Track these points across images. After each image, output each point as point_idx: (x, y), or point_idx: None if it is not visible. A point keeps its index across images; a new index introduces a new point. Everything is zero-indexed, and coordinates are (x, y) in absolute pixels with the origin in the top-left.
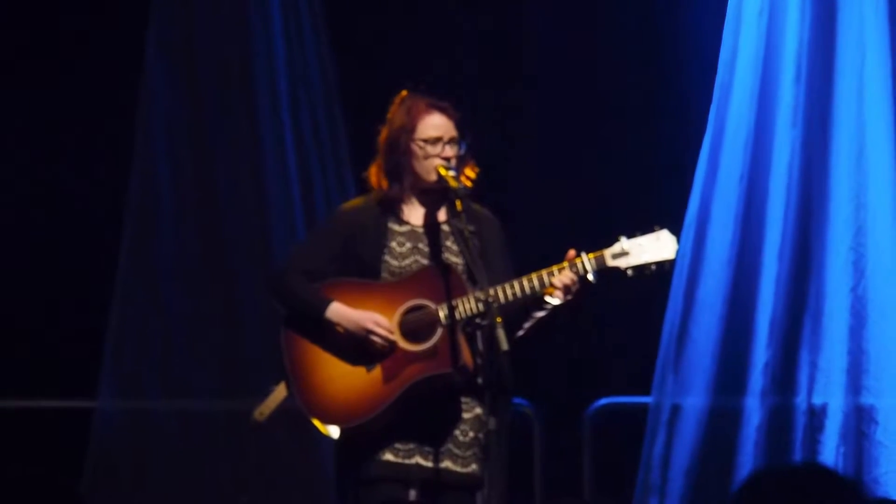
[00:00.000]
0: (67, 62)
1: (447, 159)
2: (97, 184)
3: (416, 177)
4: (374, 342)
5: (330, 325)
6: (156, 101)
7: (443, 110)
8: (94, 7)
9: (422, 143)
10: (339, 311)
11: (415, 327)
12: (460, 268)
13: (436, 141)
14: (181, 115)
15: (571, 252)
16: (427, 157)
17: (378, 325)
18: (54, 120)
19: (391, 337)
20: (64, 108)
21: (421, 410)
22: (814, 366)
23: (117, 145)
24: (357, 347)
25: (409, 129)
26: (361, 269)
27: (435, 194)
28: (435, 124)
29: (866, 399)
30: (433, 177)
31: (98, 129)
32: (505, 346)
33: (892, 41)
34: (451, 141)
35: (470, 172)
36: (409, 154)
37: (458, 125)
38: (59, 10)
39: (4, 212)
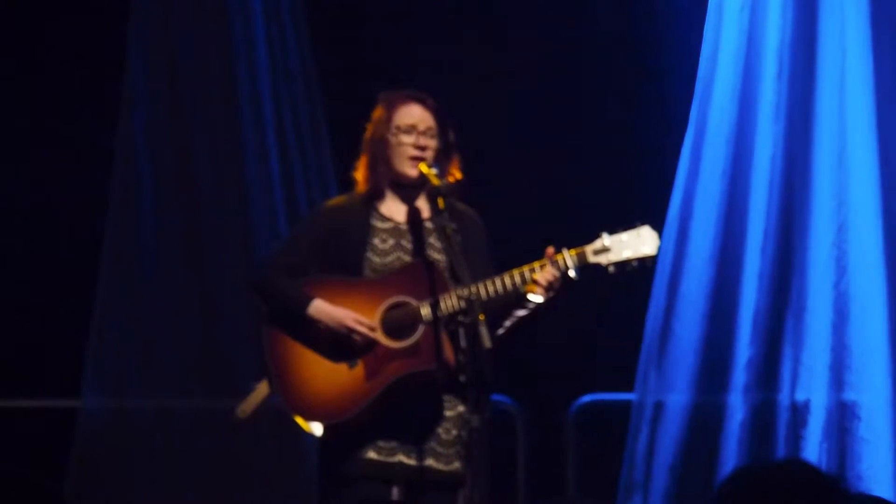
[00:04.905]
0: (48, 63)
1: (422, 149)
2: (78, 184)
3: (392, 167)
4: (354, 340)
5: (312, 323)
6: (136, 101)
7: (421, 101)
8: (75, 8)
9: (396, 132)
10: (321, 309)
11: (397, 324)
12: (442, 265)
13: (410, 129)
14: (162, 115)
15: (550, 249)
16: (400, 145)
17: (359, 323)
18: (35, 121)
19: (372, 335)
20: (45, 110)
21: (403, 408)
22: (797, 362)
23: (99, 146)
24: (339, 344)
25: (387, 119)
26: (344, 265)
27: (414, 189)
28: (411, 113)
29: (849, 395)
30: (407, 167)
31: (79, 131)
32: (488, 343)
33: (874, 38)
34: (427, 131)
35: (455, 170)
36: (385, 144)
37: (437, 117)
38: (39, 10)
39: None
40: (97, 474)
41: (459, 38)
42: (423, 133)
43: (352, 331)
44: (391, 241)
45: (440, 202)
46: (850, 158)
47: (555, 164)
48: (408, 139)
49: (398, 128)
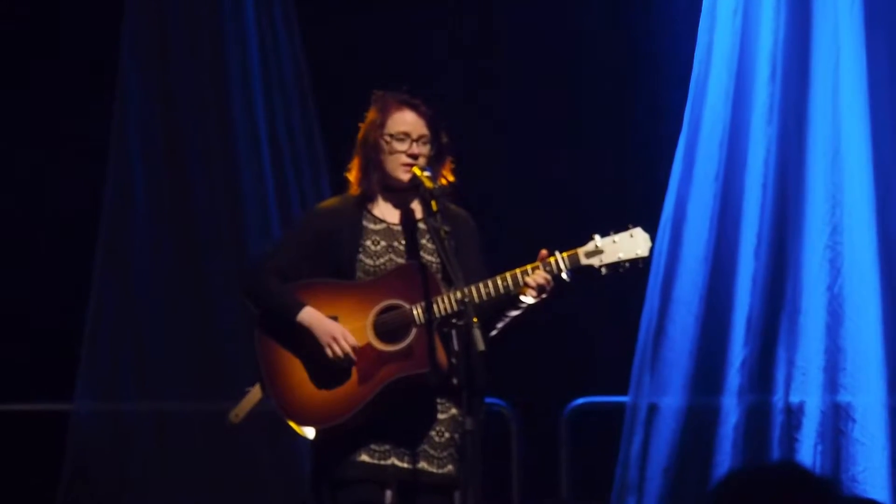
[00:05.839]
0: (41, 64)
1: (414, 157)
2: (72, 186)
3: (384, 173)
4: (334, 352)
5: (302, 328)
6: (130, 102)
7: (414, 107)
8: (68, 9)
9: (389, 139)
10: (310, 318)
11: (389, 327)
12: (435, 267)
13: (403, 137)
14: (155, 117)
15: (543, 252)
16: (393, 152)
17: (336, 341)
18: (27, 123)
19: (350, 354)
20: (37, 112)
21: (396, 411)
22: (791, 364)
23: (92, 148)
24: None
25: (380, 124)
26: (336, 268)
27: (406, 192)
28: (404, 120)
29: (843, 397)
30: (399, 173)
31: (72, 132)
32: (481, 346)
33: (867, 39)
34: (420, 139)
35: (447, 172)
36: (378, 149)
37: (431, 124)
38: (33, 10)
39: None
40: (91, 478)
41: (453, 41)
42: (416, 141)
43: (329, 344)
44: (383, 243)
45: (433, 204)
46: (844, 160)
47: (547, 167)
48: (401, 146)
49: (391, 135)
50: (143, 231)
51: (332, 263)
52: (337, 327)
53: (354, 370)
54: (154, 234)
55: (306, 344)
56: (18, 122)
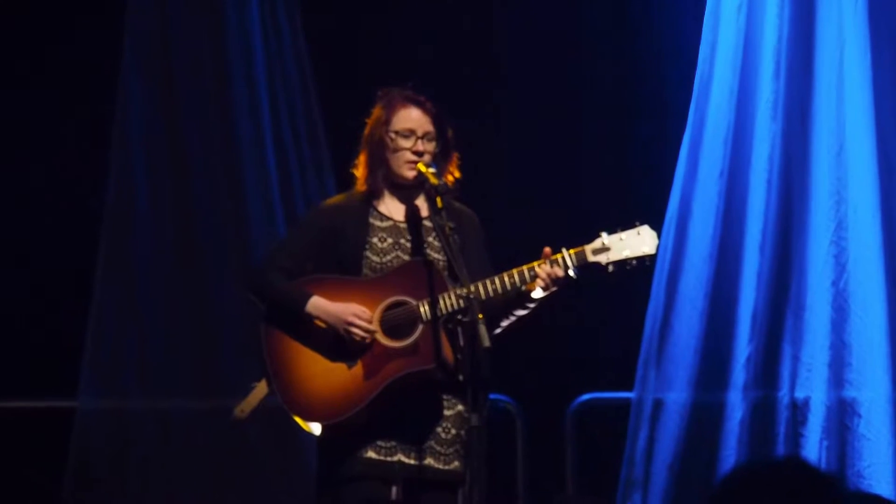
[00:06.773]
0: (43, 66)
1: (419, 154)
2: (75, 185)
3: (389, 170)
4: (354, 334)
5: (310, 320)
6: (132, 102)
7: (419, 104)
8: (70, 9)
9: (394, 135)
10: (319, 305)
11: (396, 324)
12: (441, 264)
13: (408, 134)
14: (157, 116)
15: (547, 250)
16: (398, 149)
17: (358, 317)
18: (31, 123)
19: (371, 327)
20: (40, 112)
21: (402, 407)
22: (796, 360)
23: (94, 147)
24: (338, 343)
25: (385, 120)
26: (342, 265)
27: (412, 189)
28: (409, 117)
29: (849, 392)
30: (405, 171)
31: (74, 132)
32: (487, 342)
33: (872, 35)
34: (425, 136)
35: (453, 169)
36: (383, 146)
37: (436, 121)
38: (35, 12)
39: None
40: (95, 474)
41: (454, 40)
42: (422, 138)
43: (350, 325)
44: (390, 240)
45: (438, 201)
46: (849, 155)
47: (552, 165)
48: (406, 143)
49: (396, 132)
50: (145, 229)
51: (338, 260)
52: (346, 309)
53: (361, 366)
54: (156, 232)
55: (315, 336)
56: (19, 122)
